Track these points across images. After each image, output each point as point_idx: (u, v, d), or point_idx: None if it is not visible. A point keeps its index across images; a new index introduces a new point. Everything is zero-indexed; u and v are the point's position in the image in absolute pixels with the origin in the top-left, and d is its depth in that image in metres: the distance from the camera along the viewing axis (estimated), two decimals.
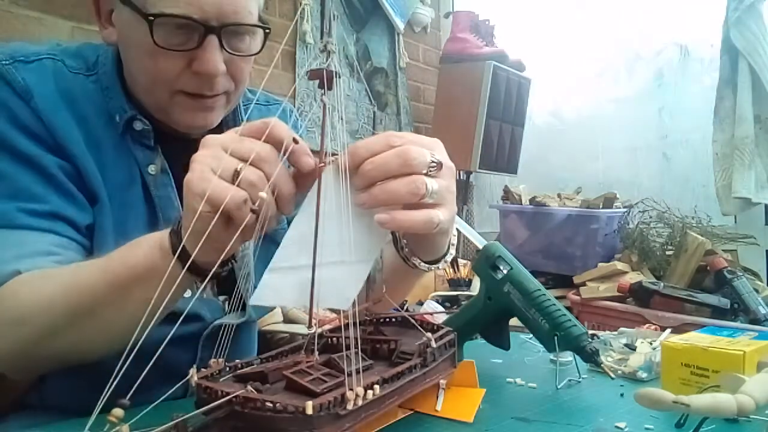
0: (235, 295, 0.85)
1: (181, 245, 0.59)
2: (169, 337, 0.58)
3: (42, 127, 0.80)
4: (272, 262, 0.62)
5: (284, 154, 0.60)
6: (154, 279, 0.58)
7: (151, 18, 0.76)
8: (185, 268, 0.60)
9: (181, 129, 0.88)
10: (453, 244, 0.81)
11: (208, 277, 0.62)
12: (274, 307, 1.05)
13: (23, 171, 0.78)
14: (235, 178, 0.58)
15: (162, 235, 0.66)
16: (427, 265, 0.80)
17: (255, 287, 0.87)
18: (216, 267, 0.61)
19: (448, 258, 0.81)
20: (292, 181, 0.62)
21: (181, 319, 0.58)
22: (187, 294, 0.68)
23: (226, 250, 0.59)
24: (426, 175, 0.62)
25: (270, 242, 0.89)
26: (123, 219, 0.84)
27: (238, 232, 0.57)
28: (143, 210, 0.86)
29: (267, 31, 0.85)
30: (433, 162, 0.63)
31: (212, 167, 0.59)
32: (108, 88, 0.86)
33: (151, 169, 0.86)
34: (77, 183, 0.81)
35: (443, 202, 0.65)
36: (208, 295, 0.90)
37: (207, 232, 0.56)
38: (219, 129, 0.95)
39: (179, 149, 0.88)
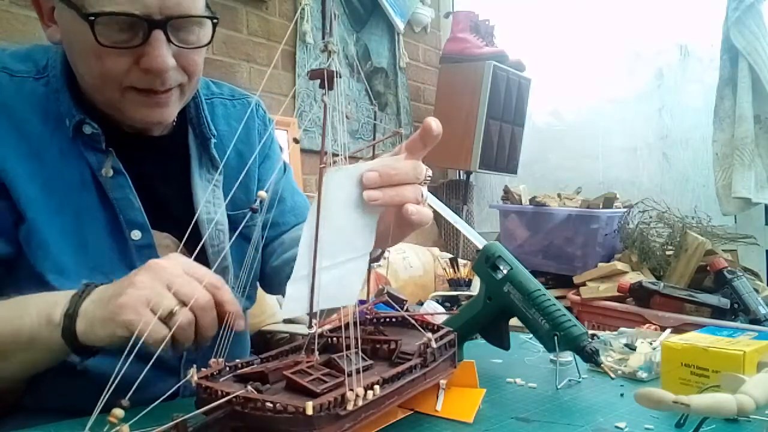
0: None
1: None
2: (168, 337, 0.58)
3: None
4: (293, 273, 0.61)
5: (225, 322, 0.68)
6: (37, 346, 0.62)
7: (92, 18, 0.73)
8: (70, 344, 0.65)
9: (137, 126, 0.86)
10: (389, 251, 0.81)
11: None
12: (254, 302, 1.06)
13: None
14: (169, 317, 0.63)
15: (51, 310, 0.68)
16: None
17: (234, 279, 0.89)
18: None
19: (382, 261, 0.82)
20: (216, 328, 0.68)
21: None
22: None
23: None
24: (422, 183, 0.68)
25: (242, 238, 0.90)
26: (79, 225, 0.82)
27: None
28: (101, 215, 0.84)
29: (215, 20, 0.82)
30: (428, 176, 0.69)
31: (148, 299, 0.63)
32: (58, 91, 0.83)
33: (104, 172, 0.83)
34: None
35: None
36: None
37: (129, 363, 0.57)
38: (182, 125, 0.93)
39: (138, 148, 0.88)
